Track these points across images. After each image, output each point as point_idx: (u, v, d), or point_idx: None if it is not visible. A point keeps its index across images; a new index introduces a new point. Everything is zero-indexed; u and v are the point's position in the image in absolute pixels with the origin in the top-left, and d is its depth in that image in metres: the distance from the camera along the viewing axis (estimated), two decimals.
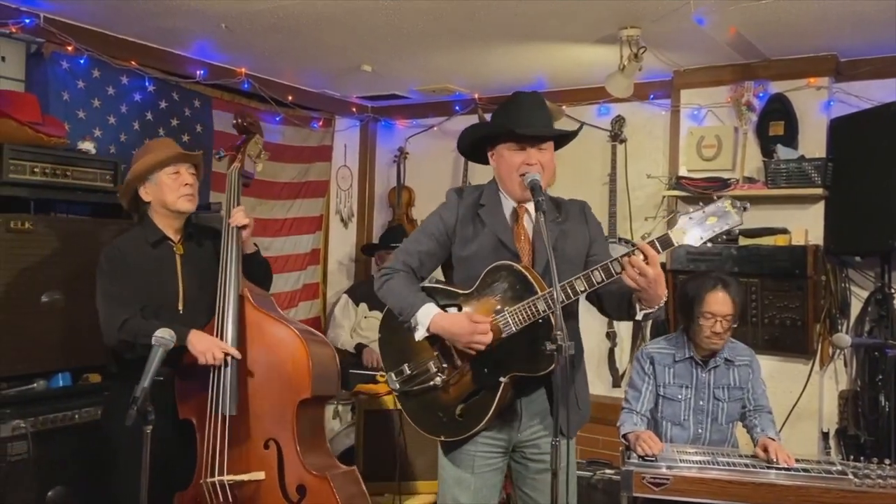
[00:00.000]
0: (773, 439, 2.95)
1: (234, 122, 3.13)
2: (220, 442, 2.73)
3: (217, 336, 2.76)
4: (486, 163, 2.54)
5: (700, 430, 3.13)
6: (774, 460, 2.80)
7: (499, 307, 2.35)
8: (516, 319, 2.30)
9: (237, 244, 2.88)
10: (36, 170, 3.22)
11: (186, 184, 2.87)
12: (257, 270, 3.02)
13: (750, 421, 3.12)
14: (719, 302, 3.03)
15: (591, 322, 3.41)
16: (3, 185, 3.13)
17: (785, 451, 2.85)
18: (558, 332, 2.06)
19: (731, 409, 3.13)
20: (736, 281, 3.18)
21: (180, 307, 2.85)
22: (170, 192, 2.85)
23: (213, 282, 2.88)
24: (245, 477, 2.73)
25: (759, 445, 2.93)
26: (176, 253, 2.90)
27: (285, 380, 2.78)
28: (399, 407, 3.43)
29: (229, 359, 2.72)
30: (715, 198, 2.19)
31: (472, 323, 2.31)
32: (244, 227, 2.91)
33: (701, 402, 3.13)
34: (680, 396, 3.14)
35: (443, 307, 2.43)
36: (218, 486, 2.72)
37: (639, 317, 2.29)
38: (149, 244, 2.85)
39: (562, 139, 2.51)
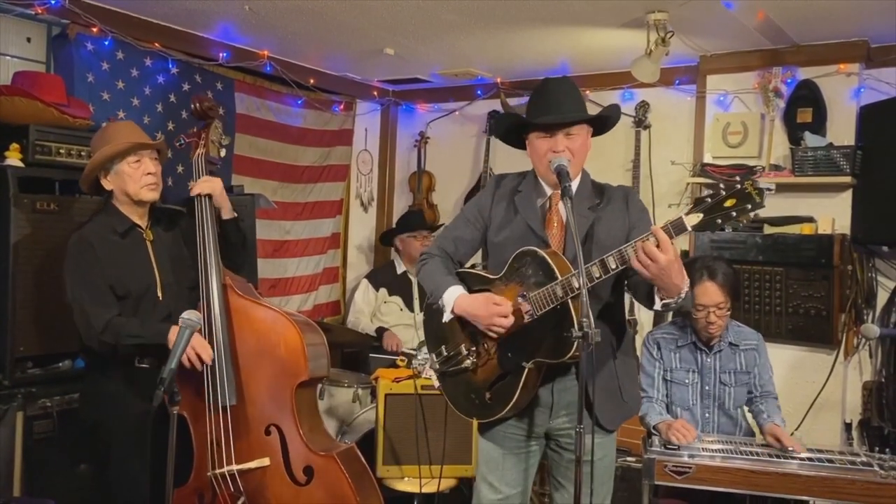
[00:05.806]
0: (779, 426, 2.94)
1: (192, 107, 2.99)
2: (224, 432, 2.71)
3: (204, 323, 2.67)
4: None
5: (707, 415, 3.12)
6: (791, 450, 2.79)
7: (523, 292, 2.34)
8: (537, 305, 2.28)
9: (211, 217, 2.82)
10: (61, 151, 3.24)
11: (149, 173, 2.77)
12: (233, 241, 2.95)
13: (756, 406, 3.10)
14: (708, 293, 2.99)
15: None
16: (29, 166, 3.15)
17: (793, 439, 2.85)
18: (584, 319, 2.04)
19: (738, 394, 3.12)
20: (724, 265, 3.07)
21: (159, 295, 2.80)
22: (132, 182, 2.75)
23: (186, 266, 2.87)
24: (252, 464, 2.72)
25: (768, 433, 2.91)
26: (146, 240, 2.83)
27: (280, 364, 2.76)
28: (419, 391, 3.52)
29: (219, 350, 2.69)
30: (737, 180, 2.03)
31: (492, 305, 2.32)
32: (209, 195, 2.84)
33: (707, 387, 3.12)
34: (687, 381, 3.13)
35: (474, 291, 2.43)
36: (228, 476, 2.71)
37: (657, 307, 2.20)
38: (118, 233, 2.77)
39: (601, 125, 2.46)
